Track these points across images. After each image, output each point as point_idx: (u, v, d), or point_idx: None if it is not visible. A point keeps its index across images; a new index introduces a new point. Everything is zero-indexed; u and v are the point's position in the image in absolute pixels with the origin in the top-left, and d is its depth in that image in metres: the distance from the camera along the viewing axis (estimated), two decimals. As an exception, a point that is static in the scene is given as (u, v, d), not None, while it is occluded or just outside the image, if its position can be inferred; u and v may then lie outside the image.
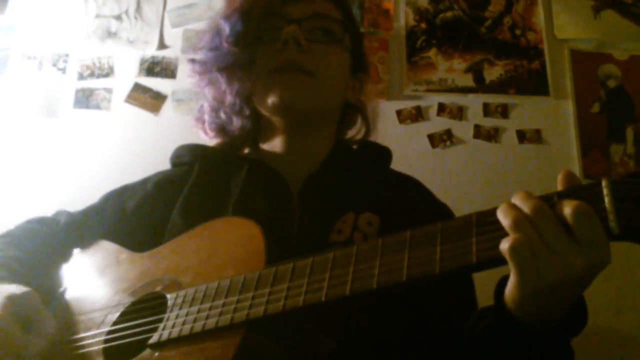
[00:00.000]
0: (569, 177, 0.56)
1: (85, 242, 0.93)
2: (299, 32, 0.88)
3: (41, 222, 0.96)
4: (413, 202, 0.92)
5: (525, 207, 0.53)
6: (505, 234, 0.53)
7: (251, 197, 0.87)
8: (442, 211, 0.95)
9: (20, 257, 0.87)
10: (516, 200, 0.55)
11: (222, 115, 0.96)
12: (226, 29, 0.90)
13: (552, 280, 0.52)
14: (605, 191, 0.50)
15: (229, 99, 0.92)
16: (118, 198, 0.97)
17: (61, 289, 0.87)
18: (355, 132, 1.04)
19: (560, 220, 0.52)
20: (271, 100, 0.88)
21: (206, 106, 0.99)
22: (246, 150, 1.00)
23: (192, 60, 0.96)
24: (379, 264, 0.58)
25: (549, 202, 0.54)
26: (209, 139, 1.02)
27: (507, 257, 0.52)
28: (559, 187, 0.56)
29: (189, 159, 0.98)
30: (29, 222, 0.96)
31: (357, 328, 0.75)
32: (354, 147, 1.02)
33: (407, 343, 0.78)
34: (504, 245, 0.52)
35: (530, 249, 0.51)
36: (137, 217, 0.93)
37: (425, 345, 0.78)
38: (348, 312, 0.73)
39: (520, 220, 0.53)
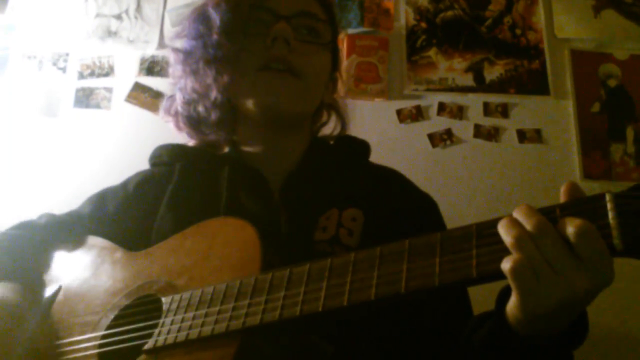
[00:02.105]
0: (572, 188, 0.54)
1: (66, 242, 0.92)
2: (290, 31, 0.86)
3: (22, 226, 0.95)
4: (395, 194, 0.91)
5: (528, 224, 0.52)
6: (506, 247, 0.52)
7: (237, 197, 0.86)
8: (424, 201, 0.95)
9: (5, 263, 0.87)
10: (518, 215, 0.54)
11: (200, 108, 0.92)
12: (215, 18, 0.87)
13: (555, 301, 0.51)
14: (609, 205, 0.49)
15: (213, 93, 0.88)
16: (99, 200, 0.96)
17: (55, 289, 0.86)
18: (330, 130, 1.03)
19: (563, 238, 0.51)
20: (256, 100, 0.87)
21: (180, 98, 0.95)
22: (226, 150, 0.97)
23: (177, 50, 0.93)
24: (377, 274, 0.57)
25: (550, 215, 0.53)
26: (180, 133, 0.99)
27: (509, 278, 0.51)
28: (562, 198, 0.54)
29: (169, 159, 0.97)
30: (12, 228, 0.95)
31: (355, 332, 0.74)
32: (331, 142, 1.01)
33: (405, 346, 0.78)
34: (506, 266, 0.51)
35: (532, 269, 0.50)
36: (119, 218, 0.92)
37: (422, 349, 0.79)
38: (346, 318, 0.72)
39: (522, 238, 0.51)
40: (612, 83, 2.02)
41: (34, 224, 0.95)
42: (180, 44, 0.93)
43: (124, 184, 0.97)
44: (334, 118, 1.03)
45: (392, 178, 0.97)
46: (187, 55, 0.91)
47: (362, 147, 1.00)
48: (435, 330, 0.80)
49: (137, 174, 0.99)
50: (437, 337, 0.79)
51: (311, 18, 0.91)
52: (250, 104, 0.88)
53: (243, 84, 0.87)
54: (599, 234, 0.49)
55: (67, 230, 0.93)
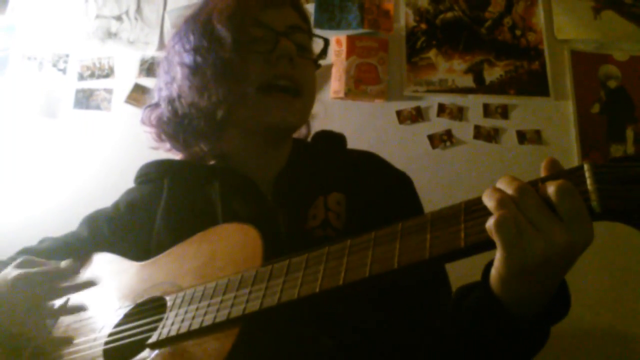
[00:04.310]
0: (552, 163, 0.57)
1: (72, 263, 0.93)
2: (294, 48, 0.89)
3: (27, 251, 0.97)
4: (373, 174, 0.96)
5: (509, 189, 0.55)
6: None
7: (232, 205, 0.88)
8: (401, 178, 0.99)
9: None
10: (500, 184, 0.57)
11: (194, 122, 0.92)
12: (226, 35, 0.88)
13: (536, 256, 0.53)
14: (587, 174, 0.53)
15: (220, 111, 0.89)
16: (94, 223, 0.98)
17: (63, 301, 0.87)
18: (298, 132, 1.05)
19: (544, 200, 0.54)
20: (264, 119, 0.89)
21: (168, 110, 0.94)
22: (212, 161, 0.98)
23: (183, 64, 0.92)
24: (371, 253, 0.60)
25: (533, 187, 0.55)
26: (160, 144, 1.00)
27: (493, 232, 0.53)
28: (543, 173, 0.57)
29: (157, 175, 0.98)
30: (18, 253, 0.97)
31: (352, 326, 0.76)
32: (309, 140, 1.05)
33: (401, 339, 0.79)
34: (490, 222, 0.53)
35: (515, 224, 0.53)
36: (116, 239, 0.94)
37: (417, 339, 0.79)
38: (343, 310, 0.74)
39: (504, 200, 0.54)
40: (612, 84, 2.02)
41: (36, 249, 0.97)
42: (185, 57, 0.92)
43: (115, 205, 1.00)
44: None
45: (368, 160, 1.01)
46: (194, 71, 0.90)
47: (339, 139, 1.04)
48: (426, 316, 0.81)
49: (127, 193, 1.01)
50: (425, 318, 0.81)
51: (300, 32, 0.94)
52: (255, 121, 0.90)
53: (246, 101, 0.88)
54: (578, 192, 0.52)
55: (70, 253, 0.94)
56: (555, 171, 0.56)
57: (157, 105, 0.98)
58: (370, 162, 1.01)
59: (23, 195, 1.94)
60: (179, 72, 0.93)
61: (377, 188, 0.92)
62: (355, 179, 0.92)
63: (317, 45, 0.99)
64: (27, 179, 1.97)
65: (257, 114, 0.89)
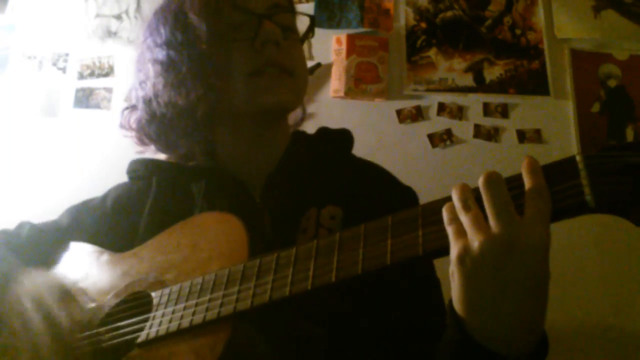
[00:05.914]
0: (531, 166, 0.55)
1: (43, 255, 0.89)
2: (279, 32, 0.83)
3: (3, 234, 0.93)
4: (377, 190, 0.89)
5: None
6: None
7: (216, 205, 0.82)
8: (406, 195, 0.93)
9: None
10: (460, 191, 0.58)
11: (174, 123, 0.86)
12: (200, 26, 0.82)
13: (476, 250, 0.53)
14: (580, 166, 0.51)
15: (200, 110, 0.83)
16: (76, 214, 0.94)
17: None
18: (294, 118, 0.99)
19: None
20: (255, 102, 0.83)
21: (146, 111, 0.88)
22: (200, 159, 0.92)
23: (158, 61, 0.85)
24: (362, 252, 0.59)
25: (518, 181, 0.55)
26: (145, 147, 0.95)
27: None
28: (525, 176, 0.55)
29: (145, 173, 0.93)
30: None
31: (344, 317, 0.74)
32: (310, 134, 0.98)
33: (391, 330, 0.78)
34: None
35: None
36: (97, 232, 0.89)
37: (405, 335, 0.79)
38: (334, 301, 0.71)
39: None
40: (612, 83, 2.02)
41: (15, 234, 0.93)
42: (157, 53, 0.86)
43: (103, 199, 0.95)
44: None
45: (374, 173, 0.95)
46: (168, 67, 0.84)
47: (344, 138, 0.97)
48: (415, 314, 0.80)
49: (116, 188, 0.96)
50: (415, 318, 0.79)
51: (282, 10, 0.87)
52: (246, 106, 0.84)
53: (233, 91, 0.83)
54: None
55: (42, 248, 0.90)
56: (546, 164, 0.54)
57: (134, 107, 0.93)
58: (375, 175, 0.94)
59: (23, 195, 1.94)
60: (151, 70, 0.86)
61: (380, 204, 0.83)
62: (356, 192, 0.86)
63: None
64: (27, 178, 1.97)
65: (249, 97, 0.82)
